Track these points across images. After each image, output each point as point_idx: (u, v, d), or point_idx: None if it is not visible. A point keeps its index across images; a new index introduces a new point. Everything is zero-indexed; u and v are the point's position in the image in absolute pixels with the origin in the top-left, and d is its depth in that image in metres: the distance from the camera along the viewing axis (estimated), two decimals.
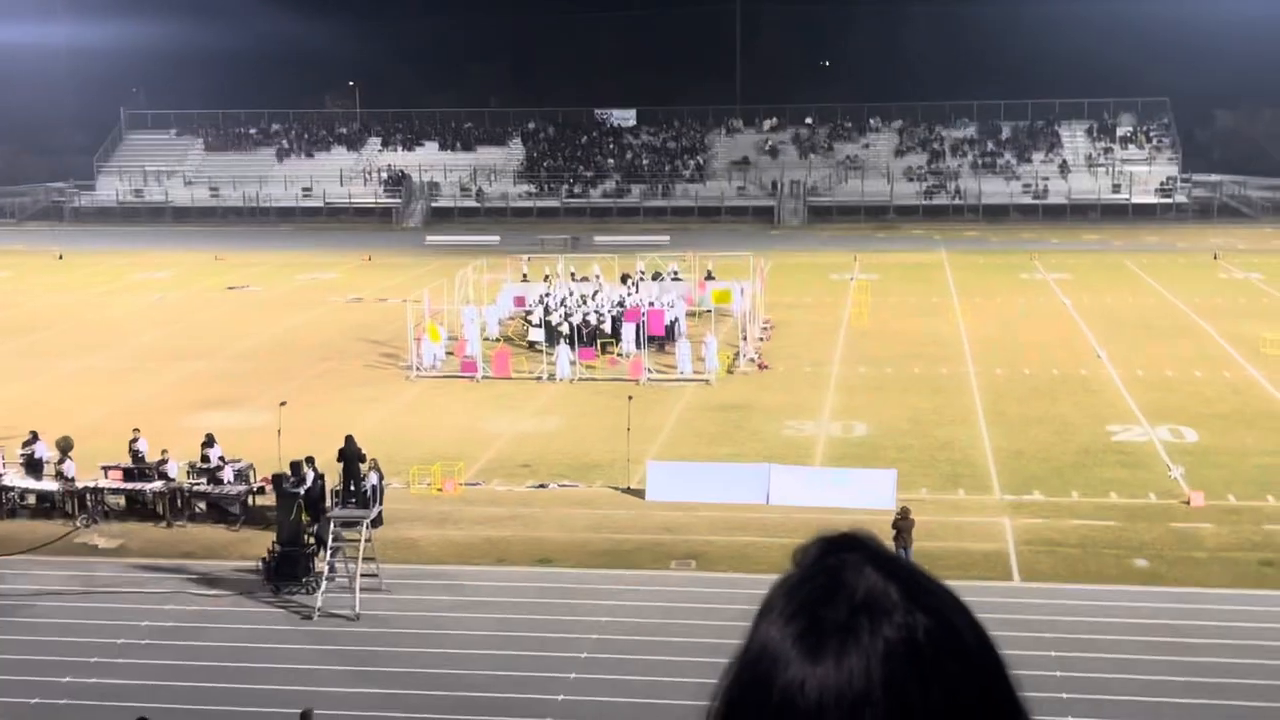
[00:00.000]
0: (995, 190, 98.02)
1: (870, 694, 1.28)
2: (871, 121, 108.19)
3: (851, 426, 37.41)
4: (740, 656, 1.37)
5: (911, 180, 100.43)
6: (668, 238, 79.19)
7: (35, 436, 31.75)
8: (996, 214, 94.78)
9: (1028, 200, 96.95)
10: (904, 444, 35.09)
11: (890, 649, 1.30)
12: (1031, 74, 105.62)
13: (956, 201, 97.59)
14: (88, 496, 30.30)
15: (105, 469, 31.06)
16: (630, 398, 35.05)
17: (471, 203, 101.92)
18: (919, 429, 36.72)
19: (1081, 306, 56.00)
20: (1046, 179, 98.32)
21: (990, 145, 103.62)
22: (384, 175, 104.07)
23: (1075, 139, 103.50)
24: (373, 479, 28.72)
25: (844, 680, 1.29)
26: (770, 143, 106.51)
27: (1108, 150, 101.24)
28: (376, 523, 27.49)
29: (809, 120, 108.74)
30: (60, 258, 77.24)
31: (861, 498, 28.95)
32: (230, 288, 65.11)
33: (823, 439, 36.22)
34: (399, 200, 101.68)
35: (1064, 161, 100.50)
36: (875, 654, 1.30)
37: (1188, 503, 29.80)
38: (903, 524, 25.37)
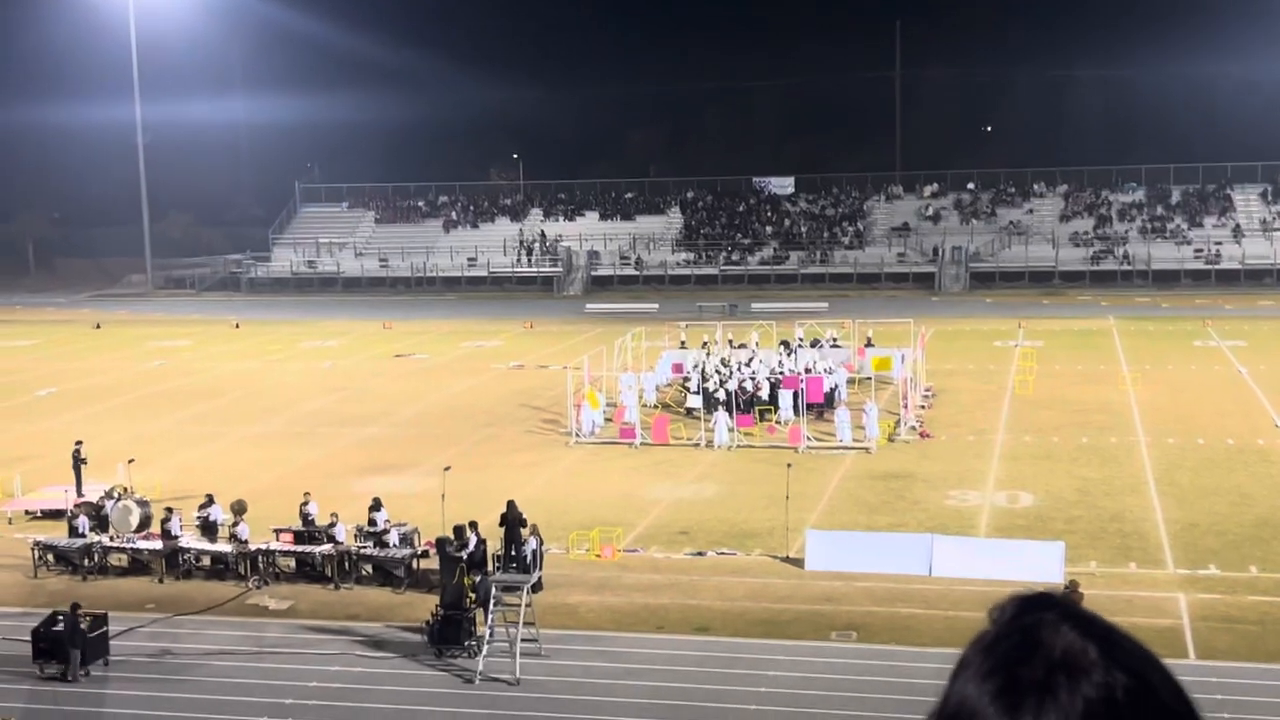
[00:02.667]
0: (1165, 255, 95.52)
1: None
2: (1035, 186, 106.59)
3: (1017, 496, 36.59)
4: (937, 713, 1.38)
5: (1078, 245, 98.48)
6: (826, 304, 78.85)
7: (211, 500, 32.79)
8: (1167, 279, 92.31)
9: (1199, 265, 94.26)
10: (1072, 515, 34.18)
11: (1089, 708, 1.30)
12: (1200, 137, 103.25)
13: (1125, 267, 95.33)
14: (260, 558, 31.13)
15: (277, 532, 31.91)
16: (789, 465, 34.83)
17: (630, 270, 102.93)
18: (1087, 499, 35.75)
19: (1258, 375, 54.08)
20: (1219, 244, 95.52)
21: (1159, 209, 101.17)
22: (546, 245, 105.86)
23: (1249, 203, 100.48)
24: (533, 544, 28.97)
25: None
26: (931, 208, 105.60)
27: None
28: (536, 588, 27.70)
29: (971, 185, 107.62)
30: (237, 326, 80.00)
31: (1027, 570, 28.21)
32: (398, 355, 66.64)
33: (987, 509, 35.49)
34: (560, 269, 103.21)
35: (1237, 225, 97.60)
36: (1074, 713, 1.29)
37: None
38: (1070, 596, 24.64)
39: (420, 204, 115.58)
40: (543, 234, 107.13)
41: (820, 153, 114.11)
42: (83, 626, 25.77)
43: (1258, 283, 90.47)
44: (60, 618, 26.50)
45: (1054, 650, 1.34)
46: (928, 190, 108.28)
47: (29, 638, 26.12)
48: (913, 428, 44.90)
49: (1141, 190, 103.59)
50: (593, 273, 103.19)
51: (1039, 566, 28.39)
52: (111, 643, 26.49)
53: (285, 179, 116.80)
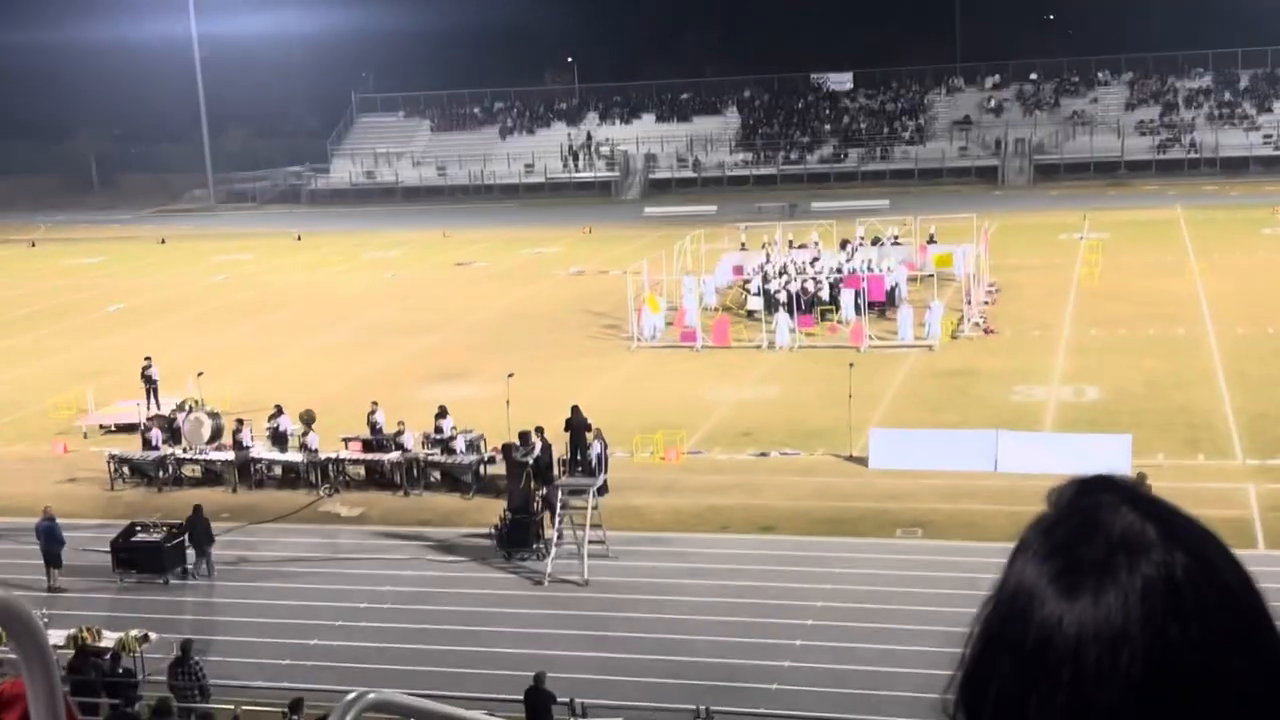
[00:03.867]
0: (1233, 142, 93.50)
1: (1128, 631, 1.29)
2: (1100, 75, 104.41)
3: (1083, 391, 36.34)
4: (996, 593, 1.39)
5: (1144, 134, 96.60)
6: (887, 202, 78.07)
7: (280, 410, 33.27)
8: (1235, 167, 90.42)
9: (1268, 151, 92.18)
10: (1139, 408, 33.92)
11: (1148, 586, 1.30)
12: (1269, 19, 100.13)
13: (1192, 155, 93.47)
14: (330, 467, 31.65)
15: (346, 440, 32.38)
16: (851, 365, 34.73)
17: (688, 173, 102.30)
18: (1155, 392, 35.44)
19: None
20: None
21: (1227, 95, 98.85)
22: (602, 150, 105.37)
23: None
24: (598, 448, 29.22)
25: (1102, 617, 1.30)
26: (993, 100, 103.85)
27: None
28: (602, 491, 27.97)
29: (1033, 76, 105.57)
30: (299, 239, 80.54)
31: (1094, 464, 27.19)
32: (458, 264, 66.89)
33: (1053, 404, 35.29)
34: (617, 174, 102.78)
35: None
36: (1133, 591, 1.30)
37: None
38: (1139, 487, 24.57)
39: (476, 111, 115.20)
40: (589, 137, 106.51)
41: (878, 47, 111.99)
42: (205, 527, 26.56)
43: None
44: (137, 528, 27.16)
45: (1113, 531, 1.35)
46: (989, 82, 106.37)
47: (109, 548, 26.81)
48: (976, 324, 44.59)
49: (1209, 76, 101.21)
50: (650, 176, 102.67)
51: (1106, 459, 28.13)
52: (188, 552, 27.11)
53: (341, 90, 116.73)
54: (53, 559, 26.24)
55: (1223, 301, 46.23)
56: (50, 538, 26.28)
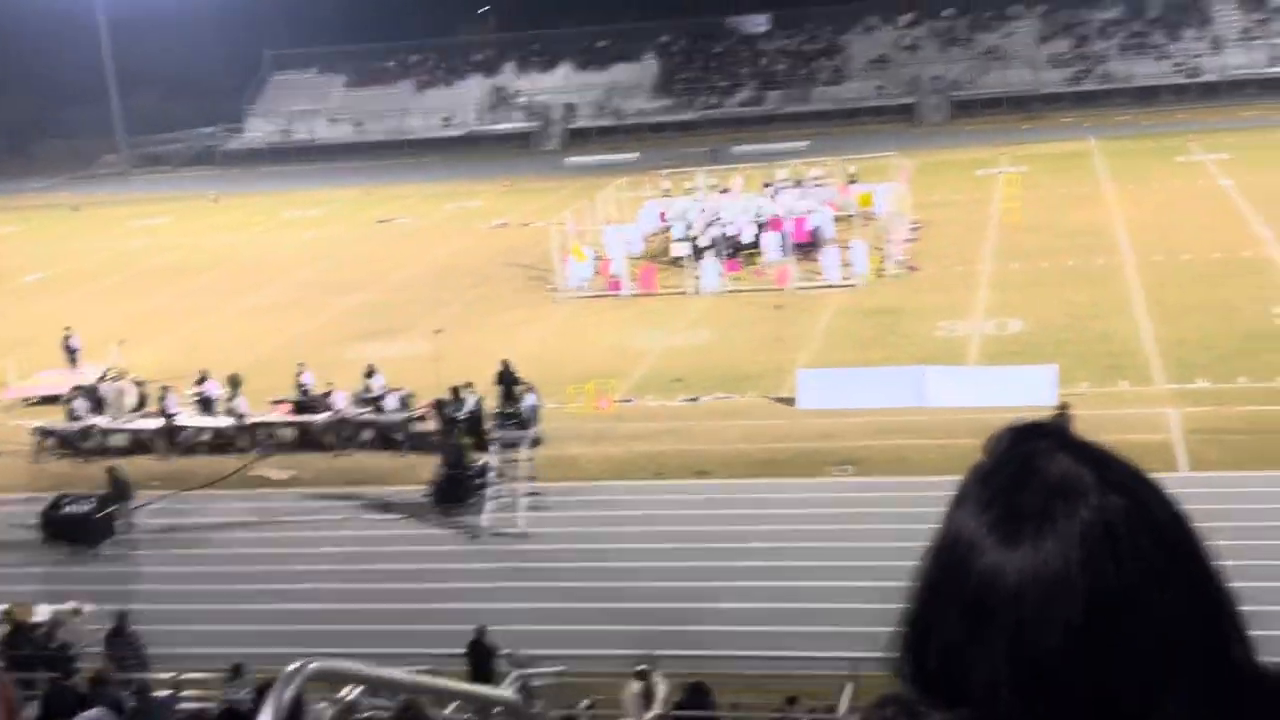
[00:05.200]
0: (1146, 72, 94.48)
1: (1068, 575, 1.32)
2: (1012, 9, 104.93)
3: (1006, 324, 36.81)
4: (937, 544, 1.41)
5: (1057, 67, 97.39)
6: (807, 143, 78.24)
7: (205, 375, 32.91)
8: (1148, 96, 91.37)
9: (1180, 80, 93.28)
10: (1061, 339, 34.44)
11: (1086, 531, 1.33)
12: None
13: (1105, 86, 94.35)
14: (259, 430, 31.39)
15: (274, 403, 32.12)
16: (778, 307, 34.93)
17: (609, 122, 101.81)
18: (1076, 323, 35.99)
19: (1243, 187, 53.94)
20: (1199, 56, 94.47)
21: (1138, 25, 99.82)
22: (520, 101, 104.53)
23: (1227, 12, 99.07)
24: (530, 400, 29.22)
25: (1041, 564, 1.33)
26: (908, 39, 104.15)
27: (1263, 22, 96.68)
28: (536, 443, 28.02)
29: (946, 12, 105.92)
30: (215, 200, 79.34)
31: (1021, 395, 28.47)
32: (380, 220, 66.26)
33: (977, 338, 35.73)
34: (537, 124, 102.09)
35: (1215, 36, 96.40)
36: (1071, 537, 1.33)
37: None
38: (1061, 418, 24.98)
39: (391, 64, 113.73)
40: (498, 91, 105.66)
41: None
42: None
43: (1239, 93, 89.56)
44: (65, 500, 26.82)
45: (1050, 477, 1.38)
46: (903, 20, 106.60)
47: (38, 520, 26.47)
48: (899, 261, 44.94)
49: (1120, 6, 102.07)
50: (570, 126, 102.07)
51: (1031, 391, 28.68)
52: (118, 522, 26.83)
53: (253, 47, 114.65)
54: None
55: (1140, 231, 46.92)
56: None
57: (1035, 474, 1.38)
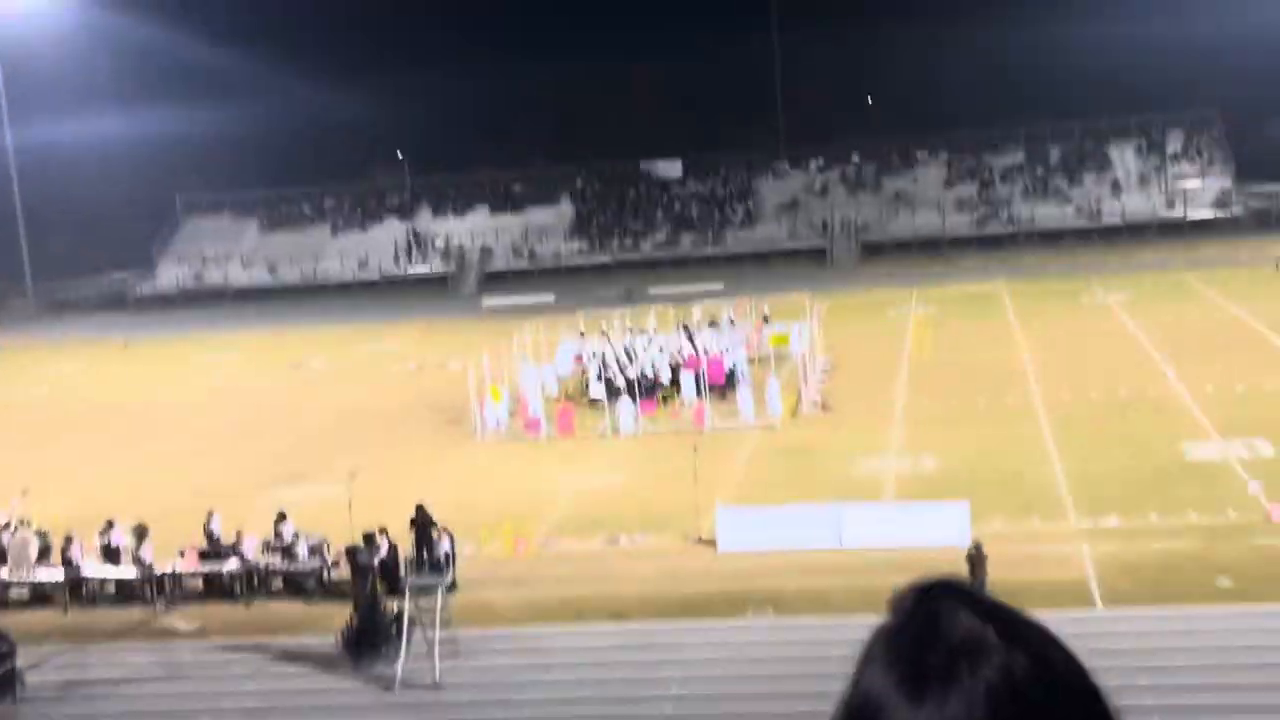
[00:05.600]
0: (1049, 214, 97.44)
1: None
2: (918, 154, 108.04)
3: (920, 461, 37.17)
4: (845, 704, 1.41)
5: (963, 211, 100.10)
6: (721, 285, 79.33)
7: (111, 524, 32.16)
8: (1051, 239, 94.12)
9: (1083, 223, 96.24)
10: (974, 475, 34.78)
11: (990, 689, 1.33)
12: (1076, 95, 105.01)
13: (1010, 229, 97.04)
14: (166, 580, 30.62)
15: (181, 552, 31.39)
16: (695, 448, 35.01)
17: (525, 264, 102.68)
18: (988, 459, 36.42)
19: (1145, 326, 55.43)
20: (1099, 200, 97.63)
21: (1040, 170, 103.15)
22: (436, 244, 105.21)
23: (1126, 158, 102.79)
24: (445, 545, 28.84)
25: None
26: (819, 183, 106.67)
27: (1159, 168, 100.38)
28: (452, 588, 27.58)
29: (855, 158, 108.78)
30: (125, 346, 78.48)
31: (935, 534, 28.65)
32: (293, 365, 65.84)
33: (893, 476, 35.99)
34: (453, 268, 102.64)
35: (1115, 181, 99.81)
36: (976, 694, 1.33)
37: (1268, 518, 29.30)
38: (976, 557, 25.13)
39: (305, 209, 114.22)
40: (414, 235, 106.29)
41: (706, 132, 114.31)
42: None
43: (1139, 237, 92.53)
44: None
45: (954, 635, 1.38)
46: (813, 165, 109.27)
47: None
48: (814, 401, 45.37)
49: (1021, 152, 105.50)
50: (486, 269, 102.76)
51: (945, 527, 28.87)
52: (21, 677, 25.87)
53: (165, 191, 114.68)
54: None
55: (1048, 369, 47.90)
56: None
57: (939, 633, 1.39)
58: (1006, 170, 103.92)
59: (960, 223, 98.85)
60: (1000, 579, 25.06)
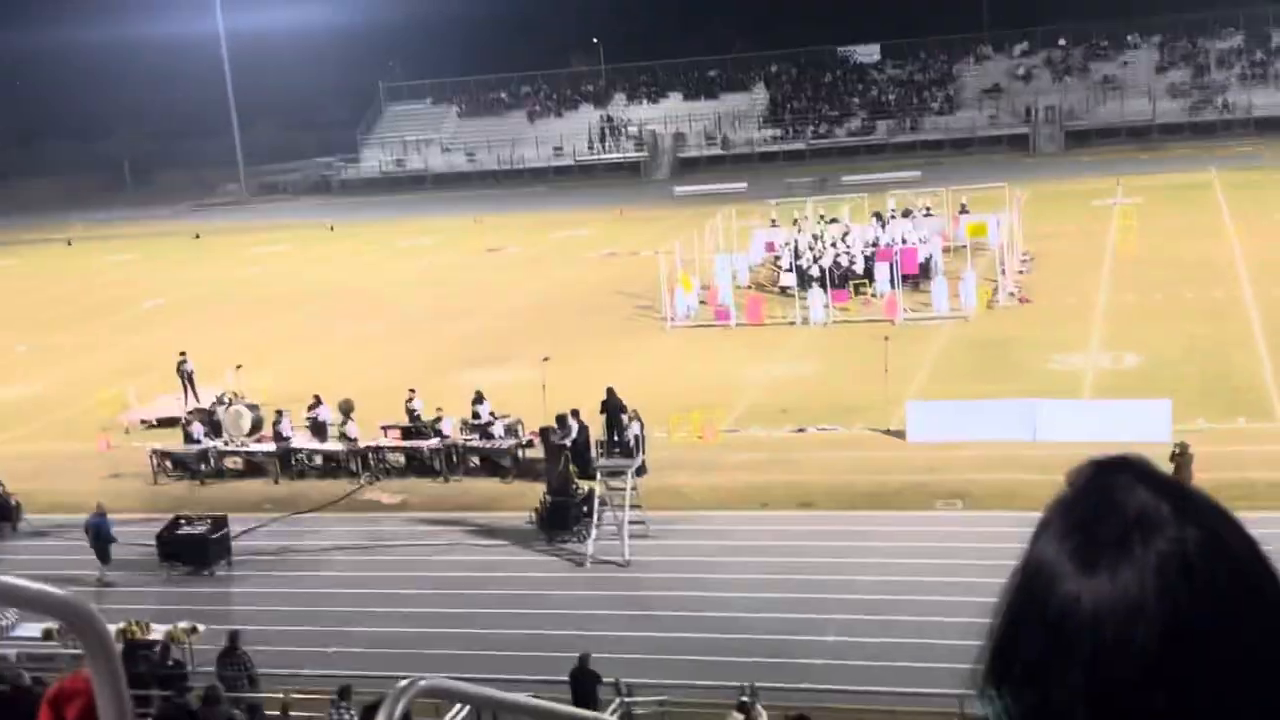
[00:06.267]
0: (1267, 102, 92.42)
1: (1144, 604, 1.34)
2: (1129, 38, 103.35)
3: (1121, 357, 36.16)
4: (1019, 573, 1.46)
5: (1175, 97, 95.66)
6: (919, 173, 77.69)
7: (319, 400, 33.49)
8: (1269, 126, 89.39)
9: None
10: (1178, 373, 33.71)
11: (1163, 562, 1.36)
12: None
13: (1225, 116, 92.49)
14: (370, 456, 31.87)
15: (385, 428, 32.60)
16: (886, 338, 34.67)
17: (717, 151, 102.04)
18: (1194, 356, 35.23)
19: None
20: None
21: (1260, 54, 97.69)
22: (630, 130, 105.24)
23: None
24: (635, 429, 29.29)
25: (1118, 593, 1.36)
26: (1022, 68, 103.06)
27: None
28: (641, 471, 28.07)
29: (1062, 41, 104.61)
30: (331, 229, 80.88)
31: (1134, 431, 27.87)
32: (490, 250, 67.02)
33: (1091, 372, 35.13)
34: (646, 154, 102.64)
35: None
36: (1148, 567, 1.36)
37: None
38: (1181, 457, 24.42)
39: (503, 95, 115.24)
40: (608, 121, 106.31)
41: (906, 17, 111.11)
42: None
43: None
44: (182, 521, 27.44)
45: (1128, 509, 1.41)
46: (1018, 49, 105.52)
47: (154, 542, 27.11)
48: (1011, 294, 44.39)
49: (1240, 35, 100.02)
50: (679, 155, 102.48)
51: (1146, 426, 28.07)
52: (233, 543, 27.38)
53: (369, 79, 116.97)
54: (102, 554, 26.60)
55: (1261, 264, 45.83)
56: (99, 534, 26.63)
57: (1115, 506, 1.42)
58: (1223, 55, 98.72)
59: (1171, 109, 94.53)
60: (1203, 479, 24.38)
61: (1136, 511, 1.41)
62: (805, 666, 20.54)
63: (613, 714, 18.33)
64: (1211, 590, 1.35)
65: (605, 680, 19.02)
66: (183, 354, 39.40)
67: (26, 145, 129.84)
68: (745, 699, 17.34)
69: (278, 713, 17.04)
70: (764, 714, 17.26)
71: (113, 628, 21.14)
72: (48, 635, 21.23)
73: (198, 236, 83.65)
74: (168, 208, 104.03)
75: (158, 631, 21.95)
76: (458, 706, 16.95)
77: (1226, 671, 1.33)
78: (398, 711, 2.90)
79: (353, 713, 15.40)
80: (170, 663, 20.77)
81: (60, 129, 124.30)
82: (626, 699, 19.05)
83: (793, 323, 43.23)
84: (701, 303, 45.95)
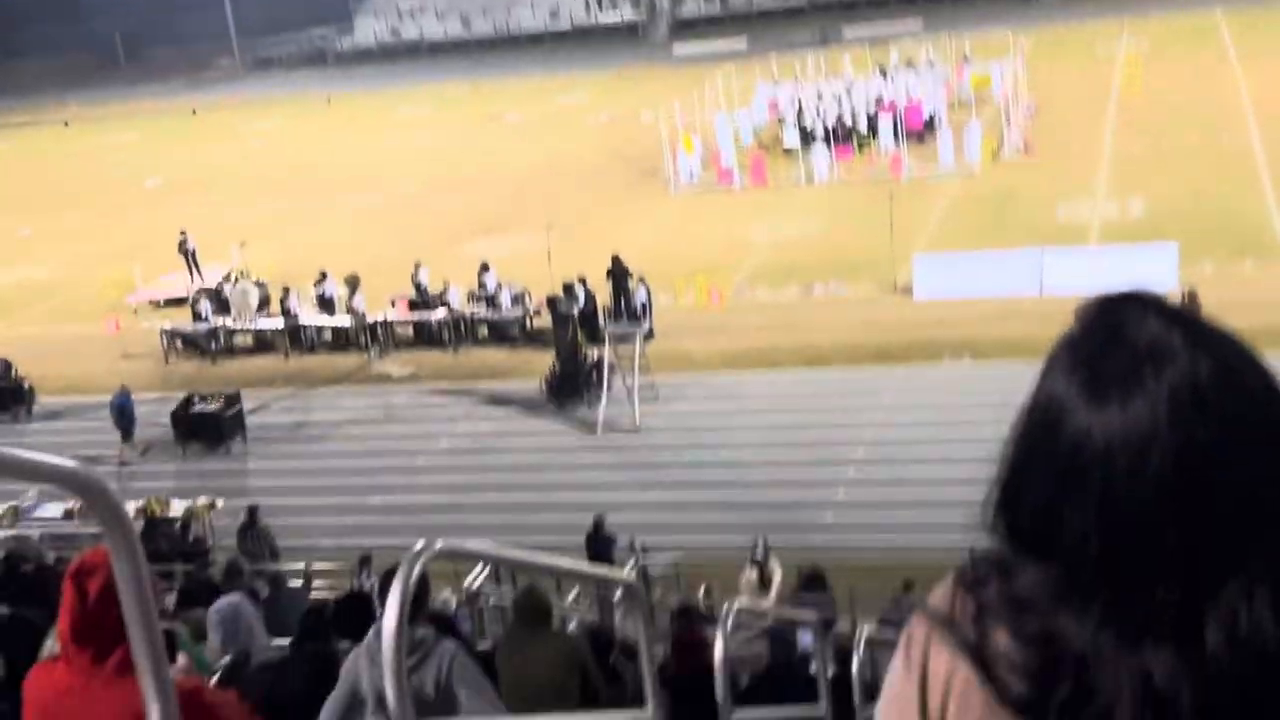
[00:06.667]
0: None
1: (1156, 434, 1.34)
2: None
3: (1128, 205, 35.93)
4: (1028, 410, 1.45)
5: None
6: (920, 23, 76.37)
7: (325, 276, 33.48)
8: None
9: None
10: (1185, 218, 33.48)
11: (1174, 392, 1.35)
12: None
13: None
14: (378, 329, 31.94)
15: (392, 301, 32.62)
16: (892, 195, 34.43)
17: (716, 10, 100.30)
18: (1201, 201, 34.96)
19: None
20: None
21: None
22: None
23: None
24: (642, 294, 29.30)
25: (1130, 424, 1.35)
26: None
27: None
28: (649, 336, 28.13)
29: None
30: (329, 102, 79.98)
31: (1141, 277, 27.59)
32: (489, 117, 66.32)
33: (1097, 221, 34.94)
34: (643, 15, 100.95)
35: None
36: (1160, 397, 1.35)
37: None
38: (1190, 307, 24.33)
39: None
40: None
41: None
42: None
43: None
44: (195, 400, 27.64)
45: (1139, 341, 1.40)
46: None
47: (169, 421, 27.34)
48: (1017, 145, 43.93)
49: None
50: (677, 15, 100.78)
51: (1152, 272, 27.97)
52: (247, 419, 27.60)
53: None
54: (126, 433, 26.87)
55: (1268, 108, 45.21)
56: (123, 413, 26.88)
57: (1124, 339, 1.41)
58: None
59: None
60: None
61: (1148, 343, 1.40)
62: (817, 522, 20.80)
63: (630, 572, 18.62)
64: (1224, 420, 1.35)
65: (620, 542, 19.29)
66: (183, 232, 39.29)
67: (14, 29, 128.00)
68: (759, 555, 17.59)
69: (300, 583, 17.31)
70: (778, 569, 17.52)
71: (132, 505, 21.46)
72: (68, 515, 21.52)
73: (194, 112, 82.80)
74: (162, 84, 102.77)
75: (177, 508, 22.23)
76: (478, 567, 17.23)
77: (1237, 501, 1.33)
78: (414, 573, 2.93)
79: (374, 580, 15.64)
80: (191, 538, 21.08)
81: (47, 11, 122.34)
82: (642, 559, 19.33)
83: (797, 182, 42.91)
84: (705, 165, 45.53)
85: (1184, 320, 1.43)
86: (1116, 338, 1.42)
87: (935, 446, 22.54)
